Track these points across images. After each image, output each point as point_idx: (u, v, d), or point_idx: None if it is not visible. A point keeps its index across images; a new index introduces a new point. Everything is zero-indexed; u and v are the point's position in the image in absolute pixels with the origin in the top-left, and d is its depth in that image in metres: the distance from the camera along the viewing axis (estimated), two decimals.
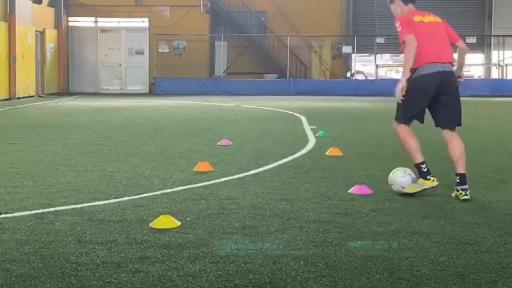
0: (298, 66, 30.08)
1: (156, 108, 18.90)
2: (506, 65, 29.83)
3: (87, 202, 6.13)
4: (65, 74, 28.52)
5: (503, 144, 10.77)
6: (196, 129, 13.02)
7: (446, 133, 6.53)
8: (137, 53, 29.44)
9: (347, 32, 30.51)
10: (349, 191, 6.61)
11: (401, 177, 6.50)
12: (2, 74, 22.78)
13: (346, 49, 29.07)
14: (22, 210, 5.77)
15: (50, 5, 27.66)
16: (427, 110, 6.60)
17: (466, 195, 6.26)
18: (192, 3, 28.59)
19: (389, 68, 33.83)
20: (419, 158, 6.49)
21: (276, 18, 29.79)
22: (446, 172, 7.90)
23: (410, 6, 6.71)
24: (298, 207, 5.97)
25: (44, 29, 26.46)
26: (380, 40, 28.78)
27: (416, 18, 6.54)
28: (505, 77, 29.57)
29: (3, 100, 22.38)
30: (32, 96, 24.68)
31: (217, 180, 7.28)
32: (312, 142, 10.89)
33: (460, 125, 6.54)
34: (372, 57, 29.95)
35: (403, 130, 6.59)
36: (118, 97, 25.63)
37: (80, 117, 15.92)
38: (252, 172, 7.85)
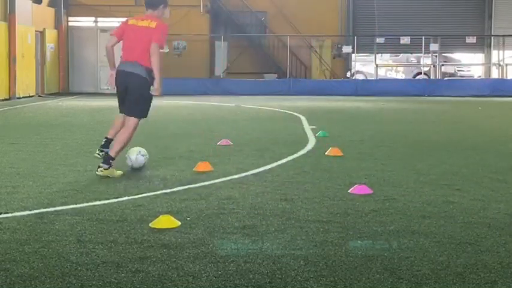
0: (298, 66, 30.08)
1: (156, 108, 18.88)
2: (506, 65, 29.82)
3: (87, 202, 6.13)
4: (65, 74, 28.52)
5: (503, 144, 10.76)
6: (196, 129, 13.02)
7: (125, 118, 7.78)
8: None
9: (347, 32, 30.51)
10: (349, 191, 6.61)
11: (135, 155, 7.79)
12: (2, 74, 22.78)
13: (346, 49, 29.07)
14: (22, 210, 5.77)
15: (50, 5, 27.67)
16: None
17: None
18: (192, 3, 28.59)
19: (389, 68, 33.83)
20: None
21: (276, 18, 29.79)
22: (445, 173, 7.91)
23: (148, 12, 7.87)
24: (298, 207, 5.97)
25: (44, 29, 26.46)
26: (380, 40, 28.80)
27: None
28: (505, 77, 29.56)
29: (3, 100, 22.38)
30: (32, 96, 24.68)
31: (217, 180, 7.28)
32: (312, 142, 10.89)
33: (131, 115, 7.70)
34: (372, 57, 29.96)
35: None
36: None
37: (80, 117, 15.92)
38: (252, 172, 7.85)
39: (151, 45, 7.47)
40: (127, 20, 7.87)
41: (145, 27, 7.59)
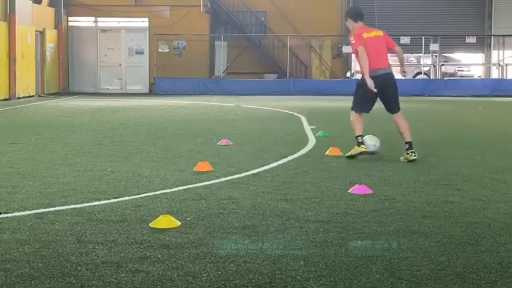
0: (298, 66, 30.08)
1: (156, 108, 18.90)
2: (506, 65, 29.82)
3: (87, 202, 6.13)
4: (65, 74, 28.52)
5: (503, 144, 10.77)
6: (196, 129, 13.02)
7: (394, 116, 9.22)
8: (137, 53, 29.44)
9: (347, 32, 30.47)
10: (349, 191, 6.61)
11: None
12: (2, 74, 22.78)
13: (346, 49, 29.06)
14: (22, 210, 5.77)
15: (50, 5, 27.67)
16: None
17: (414, 155, 8.74)
18: (192, 3, 28.59)
19: None
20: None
21: (276, 18, 29.79)
22: (445, 173, 7.91)
23: (360, 24, 9.12)
24: (298, 207, 5.97)
25: (44, 29, 26.46)
26: None
27: (365, 35, 8.93)
28: (505, 77, 29.56)
29: (3, 100, 22.38)
30: (32, 96, 24.68)
31: (217, 180, 7.28)
32: (312, 142, 10.90)
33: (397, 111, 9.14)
34: None
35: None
36: (118, 97, 25.62)
37: (80, 117, 15.92)
38: (252, 172, 7.85)
39: (396, 48, 9.24)
40: (360, 34, 8.95)
41: (377, 36, 9.03)
